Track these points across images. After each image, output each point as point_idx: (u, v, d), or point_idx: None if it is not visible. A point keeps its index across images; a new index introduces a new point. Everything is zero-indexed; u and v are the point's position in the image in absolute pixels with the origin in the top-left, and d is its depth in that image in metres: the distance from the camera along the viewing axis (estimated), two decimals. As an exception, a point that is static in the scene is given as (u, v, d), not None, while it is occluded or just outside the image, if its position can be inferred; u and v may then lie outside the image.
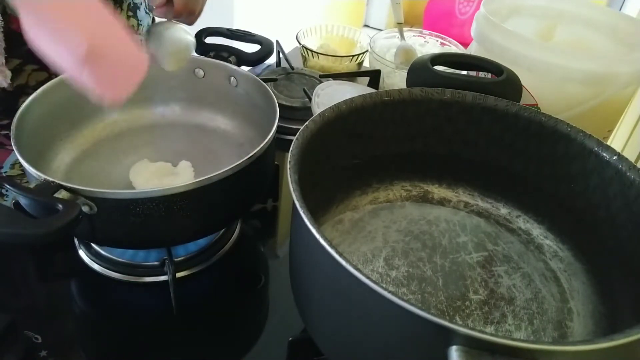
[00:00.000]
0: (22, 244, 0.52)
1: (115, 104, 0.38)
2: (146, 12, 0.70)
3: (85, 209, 0.40)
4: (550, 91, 0.57)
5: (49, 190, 0.38)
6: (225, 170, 0.43)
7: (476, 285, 0.44)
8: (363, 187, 0.52)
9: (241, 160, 0.44)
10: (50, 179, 0.39)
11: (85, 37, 0.34)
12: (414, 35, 0.85)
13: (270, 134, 0.48)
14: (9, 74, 0.53)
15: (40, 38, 0.34)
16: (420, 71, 0.49)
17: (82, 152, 0.56)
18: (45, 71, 0.58)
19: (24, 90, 0.58)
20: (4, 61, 0.51)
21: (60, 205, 0.36)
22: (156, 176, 0.52)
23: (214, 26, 0.64)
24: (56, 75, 0.55)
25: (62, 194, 0.38)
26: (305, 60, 0.86)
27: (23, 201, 0.40)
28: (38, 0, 0.34)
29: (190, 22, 0.51)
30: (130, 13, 0.67)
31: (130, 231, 0.43)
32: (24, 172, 0.60)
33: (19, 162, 0.46)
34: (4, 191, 0.62)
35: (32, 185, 0.40)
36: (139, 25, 0.69)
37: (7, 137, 0.54)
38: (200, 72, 0.59)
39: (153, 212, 0.41)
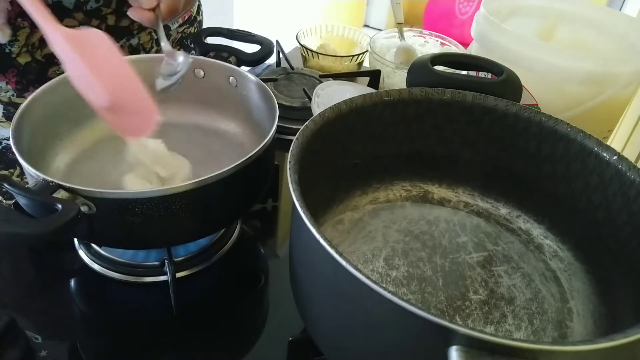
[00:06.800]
0: (21, 244, 0.52)
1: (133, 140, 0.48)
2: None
3: (84, 208, 0.39)
4: (550, 91, 0.57)
5: (47, 190, 0.38)
6: (225, 170, 0.42)
7: (476, 285, 0.44)
8: (363, 187, 0.52)
9: (241, 160, 0.44)
10: (49, 179, 0.39)
11: (108, 92, 0.44)
12: (414, 35, 0.85)
13: (270, 134, 0.48)
14: (8, 32, 0.57)
15: (77, 81, 0.44)
16: (420, 71, 0.49)
17: (82, 152, 0.56)
18: None
19: (52, 61, 0.62)
20: (4, 21, 0.56)
21: (59, 205, 0.36)
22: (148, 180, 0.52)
23: (214, 26, 0.64)
24: None
25: (61, 194, 0.38)
26: (305, 60, 0.86)
27: (22, 201, 0.40)
28: (80, 53, 0.43)
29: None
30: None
31: (129, 231, 0.43)
32: None
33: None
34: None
35: (31, 185, 0.40)
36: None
37: None
38: (201, 73, 0.59)
39: (152, 212, 0.41)
